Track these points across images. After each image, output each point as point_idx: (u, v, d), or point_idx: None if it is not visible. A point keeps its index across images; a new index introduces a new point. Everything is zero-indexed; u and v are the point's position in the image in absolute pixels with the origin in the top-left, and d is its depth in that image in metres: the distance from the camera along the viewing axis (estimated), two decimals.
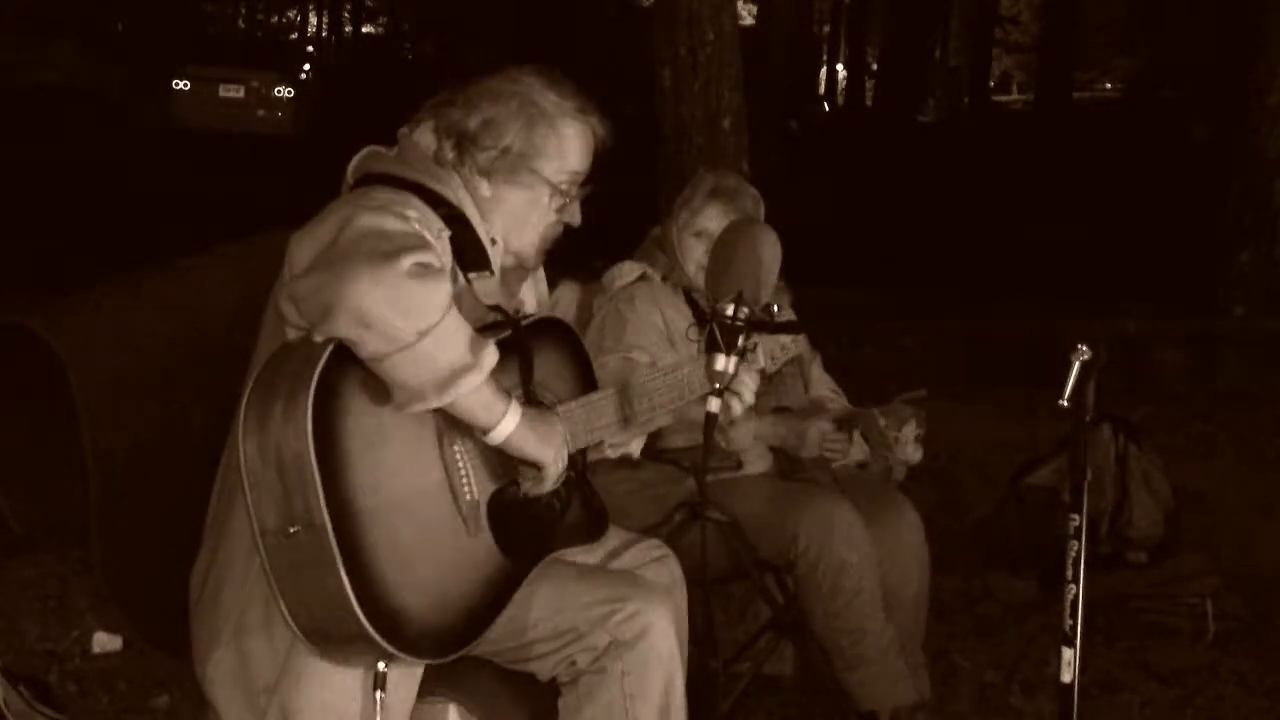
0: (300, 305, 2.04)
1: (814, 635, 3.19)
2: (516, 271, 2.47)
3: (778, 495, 3.20)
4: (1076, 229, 13.68)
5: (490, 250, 2.34)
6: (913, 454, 3.30)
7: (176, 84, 19.68)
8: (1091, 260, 11.52)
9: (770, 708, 3.49)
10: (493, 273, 2.34)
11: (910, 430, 3.27)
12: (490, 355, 2.08)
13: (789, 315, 3.43)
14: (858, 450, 3.37)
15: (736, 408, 2.41)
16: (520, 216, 2.37)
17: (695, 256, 3.28)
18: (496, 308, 2.31)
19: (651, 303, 3.25)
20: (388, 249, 2.01)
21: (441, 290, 2.02)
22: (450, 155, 2.32)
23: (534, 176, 2.35)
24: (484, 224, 2.34)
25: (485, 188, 2.34)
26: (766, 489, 3.22)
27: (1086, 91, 31.97)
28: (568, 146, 2.37)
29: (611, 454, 2.49)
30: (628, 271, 3.32)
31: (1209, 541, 4.69)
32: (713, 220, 3.28)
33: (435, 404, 2.05)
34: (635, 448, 2.53)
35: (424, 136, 2.35)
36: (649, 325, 3.21)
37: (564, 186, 2.37)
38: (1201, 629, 4.02)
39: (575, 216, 2.42)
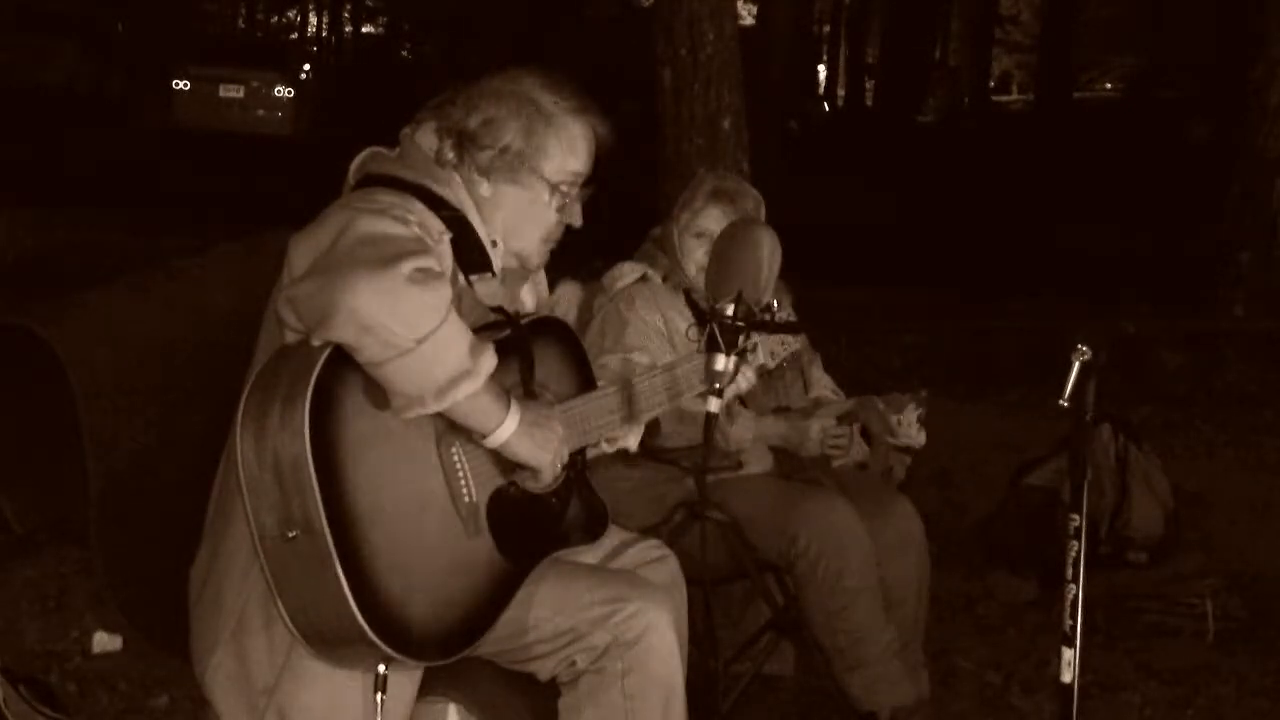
0: (299, 309, 2.04)
1: (814, 635, 3.19)
2: (517, 272, 2.46)
3: (778, 495, 3.20)
4: (1076, 229, 13.69)
5: (491, 252, 2.34)
6: (916, 436, 3.30)
7: (176, 84, 19.67)
8: (1091, 260, 11.52)
9: (770, 708, 3.49)
10: (494, 274, 2.33)
11: (911, 413, 3.27)
12: (489, 360, 2.08)
13: (789, 315, 3.43)
14: (858, 450, 3.37)
15: (743, 385, 2.43)
16: (520, 216, 2.37)
17: (696, 258, 3.28)
18: (499, 309, 2.31)
19: (652, 304, 3.24)
20: (388, 254, 2.01)
21: (441, 296, 2.02)
22: (450, 155, 2.32)
23: (533, 176, 2.35)
24: (485, 225, 2.34)
25: (485, 188, 2.34)
26: (767, 489, 3.22)
27: (1086, 91, 31.97)
28: (567, 146, 2.36)
29: (608, 448, 2.49)
30: (628, 272, 3.32)
31: (1209, 541, 4.69)
32: (714, 222, 3.27)
33: (434, 409, 2.05)
34: (632, 442, 2.53)
35: (425, 138, 2.35)
36: (649, 327, 3.21)
37: (564, 187, 2.37)
38: (1201, 629, 4.02)
39: (576, 217, 2.42)
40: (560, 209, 2.38)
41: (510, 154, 2.33)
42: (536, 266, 2.45)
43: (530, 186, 2.35)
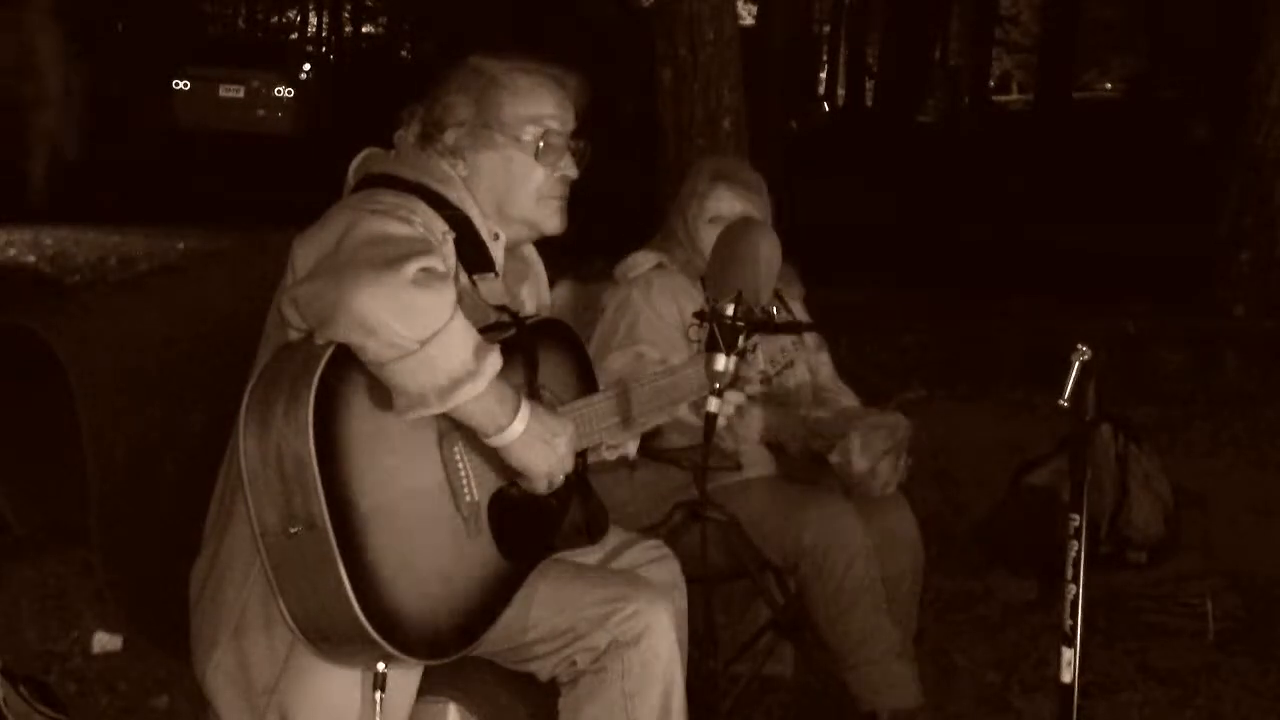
0: (303, 309, 2.04)
1: (817, 635, 3.19)
2: (518, 270, 2.47)
3: (781, 498, 3.19)
4: (1076, 229, 13.70)
5: (493, 246, 2.34)
6: (879, 487, 3.24)
7: (176, 84, 19.67)
8: (1091, 260, 11.52)
9: (770, 708, 3.49)
10: (497, 274, 2.34)
11: (878, 448, 3.21)
12: (493, 362, 2.08)
13: (799, 310, 3.42)
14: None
15: (722, 422, 2.43)
16: (503, 180, 2.36)
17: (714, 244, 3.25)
18: (503, 308, 2.31)
19: (668, 292, 3.23)
20: (392, 255, 2.01)
21: (445, 296, 2.01)
22: (428, 149, 2.33)
23: (497, 134, 2.34)
24: (482, 218, 2.34)
25: (462, 167, 2.34)
26: (769, 492, 3.22)
27: (1086, 91, 31.99)
28: (521, 97, 2.36)
29: (609, 455, 2.49)
30: (642, 261, 3.30)
31: (1209, 541, 4.68)
32: (724, 203, 3.28)
33: (438, 410, 2.05)
34: (632, 448, 2.54)
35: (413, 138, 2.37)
36: (663, 318, 3.19)
37: (528, 135, 2.36)
38: (1201, 629, 4.02)
39: (570, 168, 2.40)
40: (540, 157, 2.36)
41: (470, 124, 2.34)
42: (556, 229, 2.41)
43: (499, 146, 2.35)
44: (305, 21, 38.85)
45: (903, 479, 3.27)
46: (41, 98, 10.91)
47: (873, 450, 3.20)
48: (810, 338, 3.50)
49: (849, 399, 3.47)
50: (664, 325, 3.19)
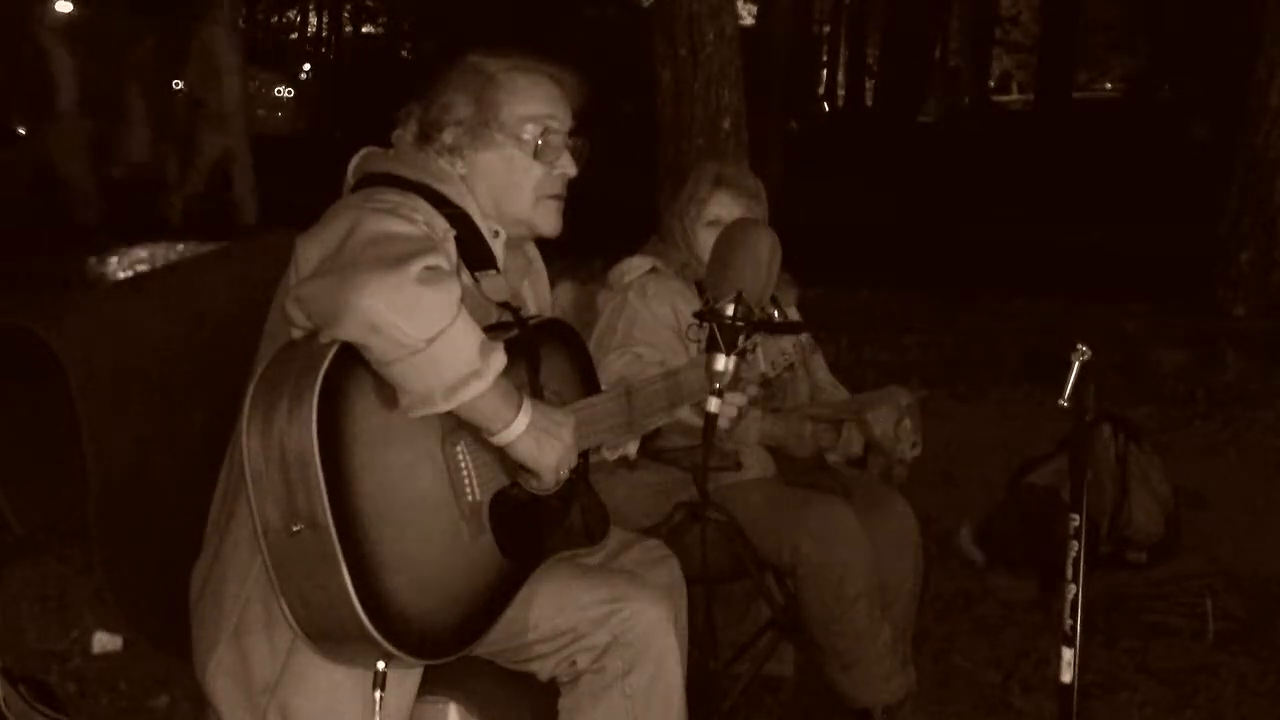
0: (308, 308, 2.04)
1: (811, 635, 3.19)
2: (519, 269, 2.47)
3: (780, 501, 3.19)
4: (1077, 229, 13.70)
5: (493, 243, 2.34)
6: (905, 450, 3.28)
7: (176, 84, 19.66)
8: (1091, 260, 11.53)
9: (770, 708, 3.49)
10: (499, 270, 2.34)
11: (889, 421, 3.24)
12: (498, 360, 2.08)
13: (793, 313, 3.43)
14: (855, 444, 3.35)
15: (724, 424, 2.43)
16: (502, 179, 2.37)
17: (711, 247, 3.25)
18: (505, 304, 2.31)
19: (663, 296, 3.23)
20: (398, 254, 2.01)
21: (451, 294, 2.01)
22: (426, 148, 2.34)
23: (496, 133, 2.35)
24: (484, 219, 2.34)
25: (461, 165, 2.35)
26: (769, 495, 3.22)
27: (1086, 91, 31.96)
28: (519, 96, 2.37)
29: (609, 455, 2.49)
30: (637, 266, 3.30)
31: (1209, 541, 4.69)
32: (723, 208, 3.28)
33: (443, 408, 2.05)
34: (632, 448, 2.54)
35: (410, 137, 2.38)
36: (660, 321, 3.19)
37: (527, 134, 2.36)
38: (1201, 629, 4.02)
39: (568, 166, 2.41)
40: (539, 156, 2.37)
41: (469, 123, 2.34)
42: (551, 231, 2.42)
43: (498, 145, 2.36)
44: (305, 21, 38.82)
45: (917, 452, 3.28)
46: (224, 110, 10.84)
47: (884, 423, 3.22)
48: (805, 339, 3.50)
49: (844, 398, 3.47)
50: (660, 328, 3.19)
